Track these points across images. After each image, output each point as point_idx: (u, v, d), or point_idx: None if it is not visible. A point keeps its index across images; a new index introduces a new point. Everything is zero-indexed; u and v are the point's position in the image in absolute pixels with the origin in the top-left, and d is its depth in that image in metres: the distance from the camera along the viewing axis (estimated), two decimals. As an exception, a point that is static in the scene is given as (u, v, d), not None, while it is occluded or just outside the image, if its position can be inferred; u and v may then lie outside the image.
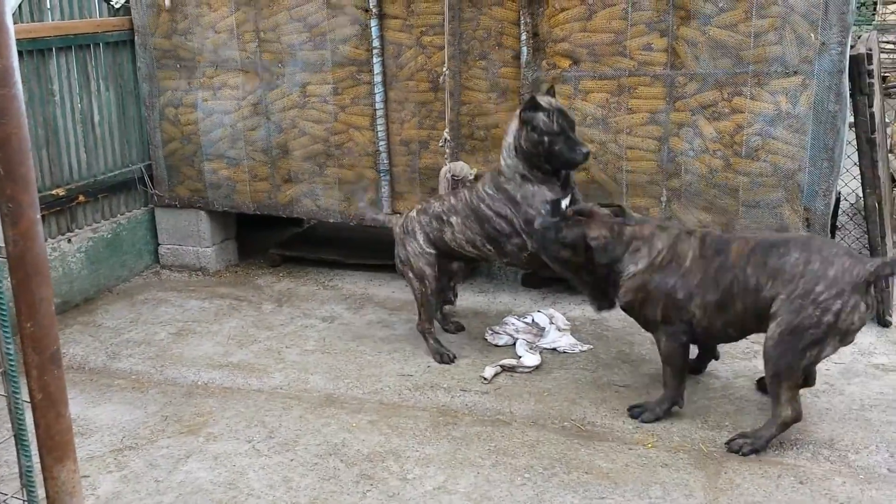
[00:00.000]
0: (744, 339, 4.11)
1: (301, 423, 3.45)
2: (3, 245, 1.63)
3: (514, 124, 3.70)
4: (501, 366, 3.86)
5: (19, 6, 4.44)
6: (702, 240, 3.25)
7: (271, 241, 5.70)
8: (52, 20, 4.71)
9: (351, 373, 3.91)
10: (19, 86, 1.61)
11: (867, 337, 4.06)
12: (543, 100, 3.64)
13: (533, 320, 4.33)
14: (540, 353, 3.95)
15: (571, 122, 3.66)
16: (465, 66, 4.53)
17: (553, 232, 3.37)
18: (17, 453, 1.78)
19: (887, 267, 2.96)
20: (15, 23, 4.40)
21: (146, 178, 5.36)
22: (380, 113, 4.73)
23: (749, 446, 3.09)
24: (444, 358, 3.96)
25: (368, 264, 5.28)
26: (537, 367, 3.86)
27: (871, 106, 4.29)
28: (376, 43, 4.62)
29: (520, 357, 3.93)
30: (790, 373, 3.00)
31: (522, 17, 4.32)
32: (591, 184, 4.40)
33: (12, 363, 1.72)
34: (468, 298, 4.78)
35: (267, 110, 5.01)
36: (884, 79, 7.14)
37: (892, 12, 10.80)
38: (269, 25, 4.86)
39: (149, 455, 3.24)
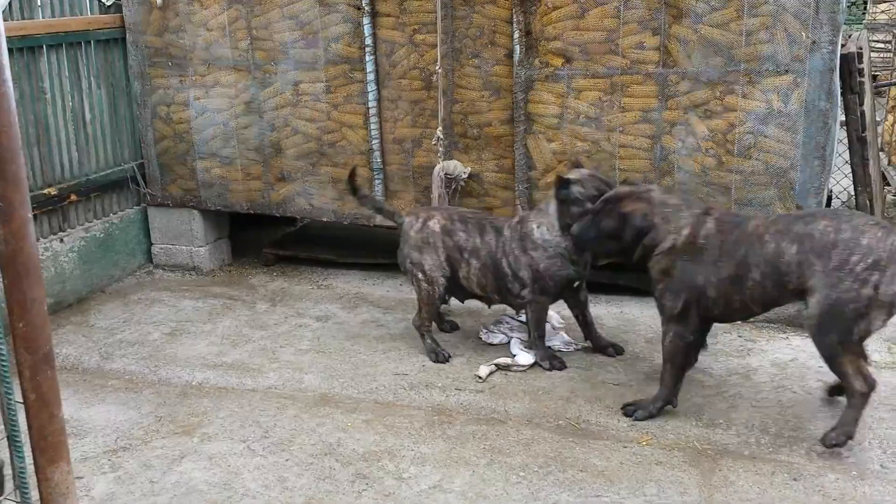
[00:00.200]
0: (739, 339, 4.14)
1: (296, 422, 3.44)
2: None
3: (552, 206, 3.77)
4: (496, 364, 3.86)
5: (9, 3, 4.40)
6: (718, 220, 3.22)
7: (265, 240, 5.68)
8: (43, 17, 4.68)
9: (346, 372, 3.90)
10: (9, 83, 1.59)
11: (859, 334, 4.08)
12: (573, 173, 3.74)
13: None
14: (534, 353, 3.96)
15: (608, 182, 3.76)
16: (458, 64, 4.53)
17: (592, 230, 3.40)
18: (11, 454, 1.77)
19: None
20: (5, 20, 4.38)
21: (138, 176, 5.34)
22: (373, 111, 4.72)
23: (843, 435, 3.03)
24: (439, 357, 3.96)
25: (362, 263, 5.27)
26: (532, 366, 3.87)
27: (861, 104, 4.32)
28: (369, 41, 4.61)
29: (514, 356, 3.94)
30: (845, 349, 2.94)
31: (515, 16, 4.32)
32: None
33: (5, 364, 1.71)
34: (462, 297, 4.78)
35: (260, 109, 5.00)
36: (874, 77, 7.18)
37: (883, 11, 10.86)
38: (261, 23, 4.84)
39: (143, 456, 3.22)
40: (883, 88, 7.17)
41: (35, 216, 4.44)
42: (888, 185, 6.16)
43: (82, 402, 3.68)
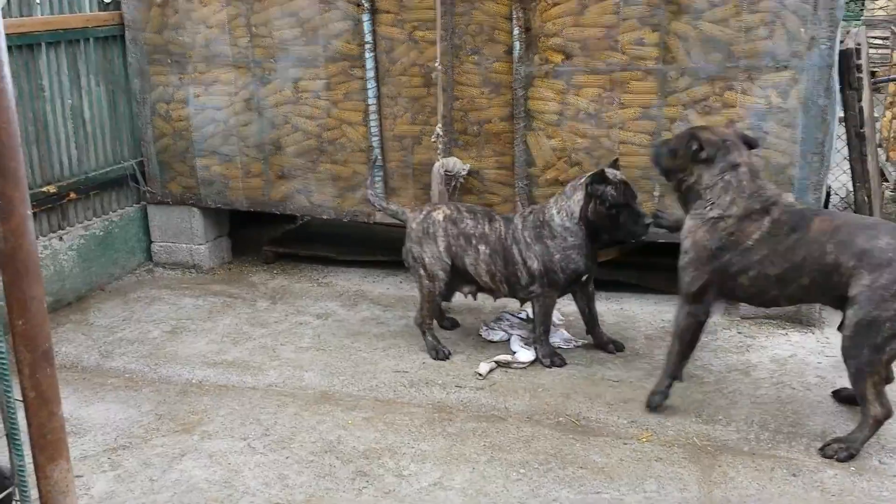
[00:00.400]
0: (738, 335, 4.15)
1: (296, 420, 3.44)
2: (-6, 242, 1.61)
3: (578, 194, 3.73)
4: (496, 362, 3.86)
5: (8, 0, 4.40)
6: (776, 220, 3.14)
7: (265, 237, 5.68)
8: (42, 15, 4.67)
9: (346, 370, 3.90)
10: (8, 80, 1.59)
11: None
12: (610, 172, 3.71)
13: (527, 316, 4.34)
14: (535, 348, 3.95)
15: (635, 194, 3.74)
16: (458, 60, 4.53)
17: (665, 146, 3.46)
18: (10, 452, 1.77)
19: None
20: (3, 17, 4.37)
21: (138, 174, 5.34)
22: (372, 108, 4.72)
23: (844, 451, 3.02)
24: (440, 354, 3.96)
25: (362, 261, 5.27)
26: (532, 363, 3.87)
27: (860, 100, 4.32)
28: (369, 38, 4.61)
29: (514, 353, 3.94)
30: (873, 368, 2.93)
31: (514, 12, 4.32)
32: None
33: (4, 361, 1.71)
34: (462, 294, 4.78)
35: (259, 106, 4.99)
36: (872, 74, 7.17)
37: (881, 7, 10.86)
38: (260, 20, 4.84)
39: (143, 454, 3.22)
40: (881, 84, 7.16)
41: (34, 214, 4.43)
42: (886, 181, 6.16)
43: (82, 400, 3.69)
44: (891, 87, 7.11)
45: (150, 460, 3.17)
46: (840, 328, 3.06)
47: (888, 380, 3.04)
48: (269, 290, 5.01)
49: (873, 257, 2.92)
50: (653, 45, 4.15)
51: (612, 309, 4.53)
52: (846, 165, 4.89)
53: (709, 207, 3.22)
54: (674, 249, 4.76)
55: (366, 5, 4.55)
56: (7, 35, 2.01)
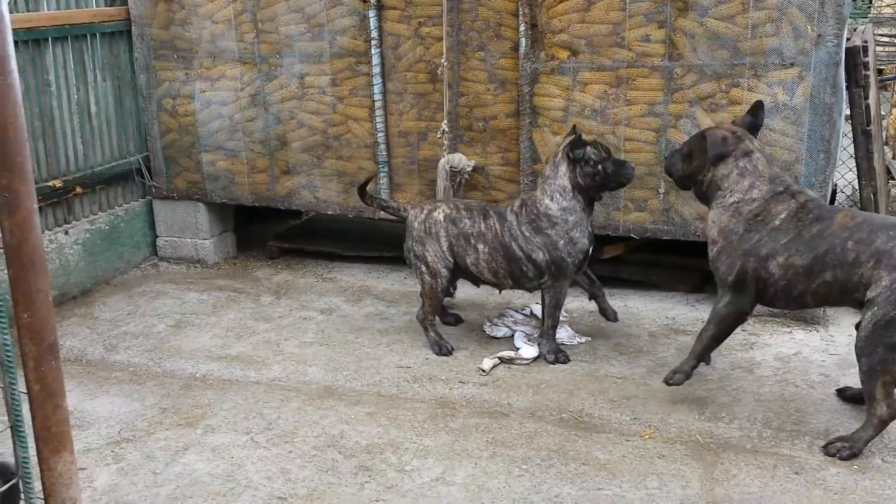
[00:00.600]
0: (743, 332, 4.14)
1: (299, 414, 3.45)
2: (0, 235, 1.63)
3: (562, 168, 3.72)
4: (500, 358, 3.86)
5: (15, -4, 4.41)
6: (802, 205, 3.16)
7: (269, 233, 5.69)
8: (49, 10, 4.69)
9: (349, 365, 3.91)
10: (15, 74, 1.60)
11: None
12: (579, 134, 3.74)
13: (531, 312, 4.34)
14: (538, 345, 3.96)
15: (607, 146, 3.79)
16: (464, 57, 4.52)
17: (678, 153, 3.52)
18: (14, 445, 1.78)
19: None
20: (11, 12, 4.38)
21: (144, 169, 5.35)
22: (378, 104, 4.72)
23: (847, 450, 3.01)
24: (443, 350, 3.97)
25: (366, 256, 5.28)
26: (535, 359, 3.87)
27: (866, 98, 4.30)
28: (375, 34, 4.61)
29: (518, 349, 3.94)
30: (884, 368, 2.93)
31: (521, 8, 4.31)
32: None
33: (9, 354, 1.72)
34: (467, 290, 4.78)
35: (265, 101, 5.00)
36: (879, 71, 7.13)
37: (888, 5, 10.80)
38: (267, 16, 4.84)
39: (146, 447, 3.24)
40: (888, 82, 7.13)
41: (40, 208, 4.47)
42: (892, 178, 6.13)
43: (86, 393, 3.71)
44: (898, 84, 7.07)
45: (154, 453, 3.19)
46: (857, 327, 3.06)
47: None
48: (273, 285, 5.02)
49: (892, 258, 2.92)
50: (659, 41, 4.14)
51: (616, 306, 4.51)
52: (852, 163, 4.87)
53: (728, 195, 3.26)
54: (678, 246, 4.76)
55: (372, 1, 4.55)
56: (14, 30, 2.02)
